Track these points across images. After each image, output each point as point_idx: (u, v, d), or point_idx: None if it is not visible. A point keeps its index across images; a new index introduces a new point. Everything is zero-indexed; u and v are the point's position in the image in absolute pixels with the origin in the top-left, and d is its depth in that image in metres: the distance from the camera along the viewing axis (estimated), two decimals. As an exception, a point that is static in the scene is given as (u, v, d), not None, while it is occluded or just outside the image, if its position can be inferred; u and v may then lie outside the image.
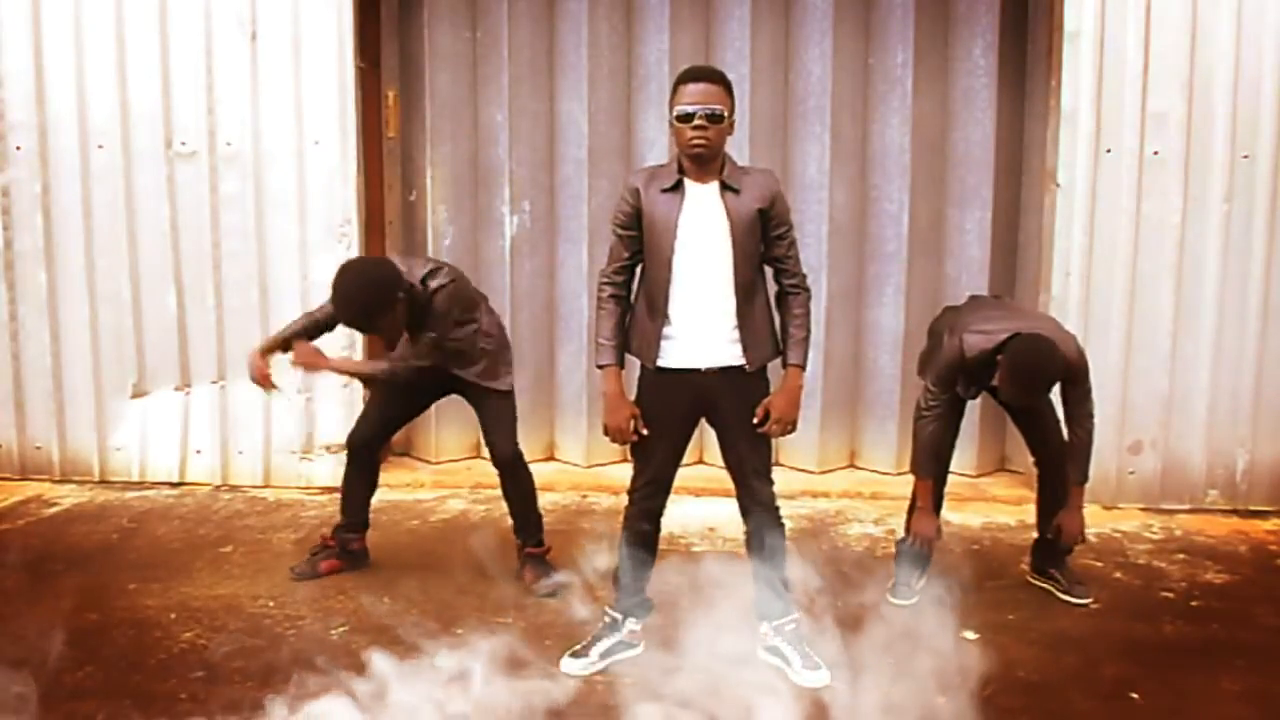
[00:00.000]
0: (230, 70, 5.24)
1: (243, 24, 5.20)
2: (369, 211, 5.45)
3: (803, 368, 3.31)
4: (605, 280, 3.35)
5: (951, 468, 5.46)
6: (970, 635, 3.67)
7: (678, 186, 3.20)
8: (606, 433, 3.35)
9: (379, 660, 3.35)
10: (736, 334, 3.24)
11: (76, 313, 5.46)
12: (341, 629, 3.76)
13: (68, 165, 5.36)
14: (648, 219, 3.22)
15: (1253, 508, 5.09)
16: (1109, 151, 4.95)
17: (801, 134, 5.48)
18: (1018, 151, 5.44)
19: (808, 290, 3.32)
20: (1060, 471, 3.93)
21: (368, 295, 3.63)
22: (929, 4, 5.32)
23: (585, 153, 5.54)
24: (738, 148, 5.42)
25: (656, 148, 5.49)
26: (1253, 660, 3.53)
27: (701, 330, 3.24)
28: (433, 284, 3.78)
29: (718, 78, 3.18)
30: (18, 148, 5.37)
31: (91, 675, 3.36)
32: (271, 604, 3.97)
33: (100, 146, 5.35)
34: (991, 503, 5.20)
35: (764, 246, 3.26)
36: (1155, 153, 4.94)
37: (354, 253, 5.20)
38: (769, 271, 3.35)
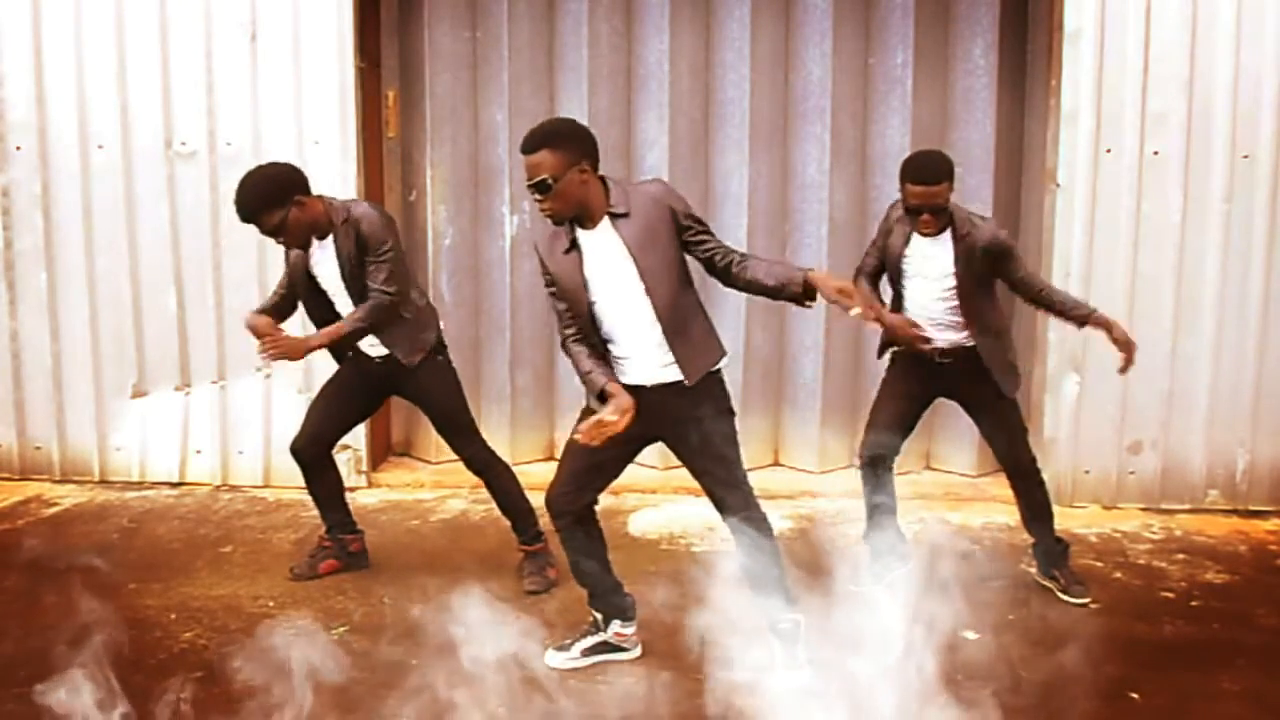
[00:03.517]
0: (230, 70, 5.24)
1: (243, 26, 5.19)
2: (369, 211, 5.44)
3: (814, 269, 3.18)
4: (563, 339, 3.33)
5: (951, 468, 5.53)
6: (970, 635, 3.68)
7: (574, 245, 3.20)
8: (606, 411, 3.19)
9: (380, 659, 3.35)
10: (670, 357, 3.21)
11: (76, 313, 5.46)
12: (341, 629, 3.76)
13: (68, 165, 5.36)
14: (558, 284, 3.26)
15: (1253, 508, 5.09)
16: (1109, 151, 4.94)
17: (801, 134, 5.48)
18: (1018, 151, 5.44)
19: (744, 255, 3.24)
20: (1028, 482, 3.98)
21: (258, 189, 3.67)
22: (929, 4, 5.31)
23: (585, 153, 5.53)
24: (738, 146, 5.44)
25: (657, 148, 5.48)
26: (1253, 660, 3.53)
27: (639, 359, 3.23)
28: (359, 208, 3.83)
29: (538, 143, 3.07)
30: (18, 148, 5.37)
31: (92, 675, 3.35)
32: (271, 604, 3.97)
33: (100, 146, 5.34)
34: (991, 503, 5.19)
35: (689, 251, 3.21)
36: (1155, 153, 4.94)
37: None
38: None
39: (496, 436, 5.78)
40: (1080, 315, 3.80)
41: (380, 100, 5.62)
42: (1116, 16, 4.87)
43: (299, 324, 4.25)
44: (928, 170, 3.67)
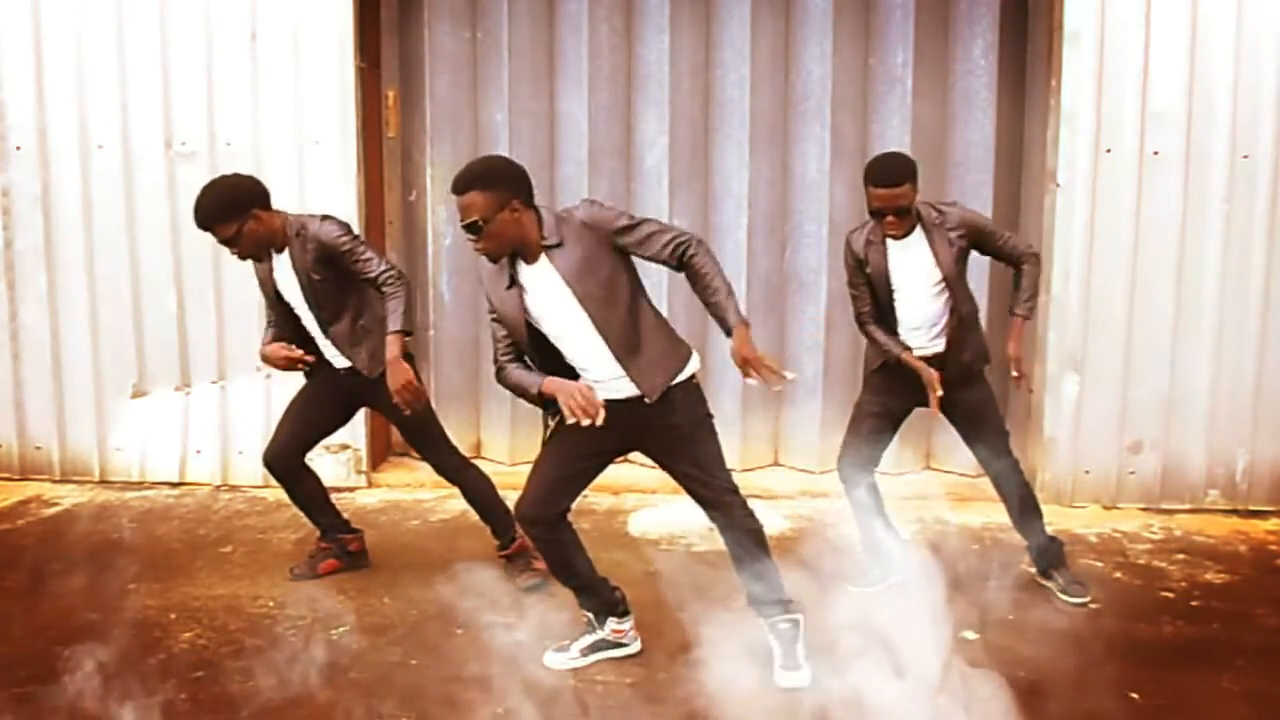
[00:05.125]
0: (230, 70, 5.24)
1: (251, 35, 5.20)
2: (369, 211, 5.44)
3: (746, 324, 3.11)
4: (497, 368, 3.29)
5: (951, 468, 5.52)
6: (970, 635, 3.68)
7: (513, 282, 3.19)
8: (566, 408, 3.06)
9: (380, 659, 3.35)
10: (625, 376, 3.20)
11: (76, 313, 5.46)
12: (342, 629, 3.76)
13: (68, 165, 5.36)
14: (502, 317, 3.24)
15: (1253, 508, 5.08)
16: (1109, 151, 4.94)
17: (801, 134, 5.48)
18: (1018, 151, 5.44)
19: (694, 242, 3.16)
20: (1011, 484, 3.99)
21: (216, 200, 3.71)
22: (929, 4, 5.31)
23: (585, 153, 5.53)
24: (738, 146, 5.44)
25: (656, 148, 5.48)
26: (1253, 660, 3.53)
27: (601, 379, 3.22)
28: (314, 225, 3.84)
29: (467, 185, 3.06)
30: (18, 148, 5.38)
31: (92, 675, 3.36)
32: (271, 604, 3.97)
33: (100, 146, 5.35)
34: (991, 503, 5.15)
35: (640, 258, 3.19)
36: (1155, 153, 4.93)
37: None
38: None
39: (496, 436, 5.80)
40: (1013, 309, 3.90)
41: (380, 100, 5.62)
42: (1116, 16, 4.87)
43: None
44: (890, 172, 3.69)
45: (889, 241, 3.78)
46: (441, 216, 5.68)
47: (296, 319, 3.99)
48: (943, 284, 3.78)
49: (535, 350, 3.27)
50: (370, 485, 5.46)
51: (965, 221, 3.77)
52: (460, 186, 3.08)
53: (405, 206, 5.77)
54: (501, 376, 3.30)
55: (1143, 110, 4.91)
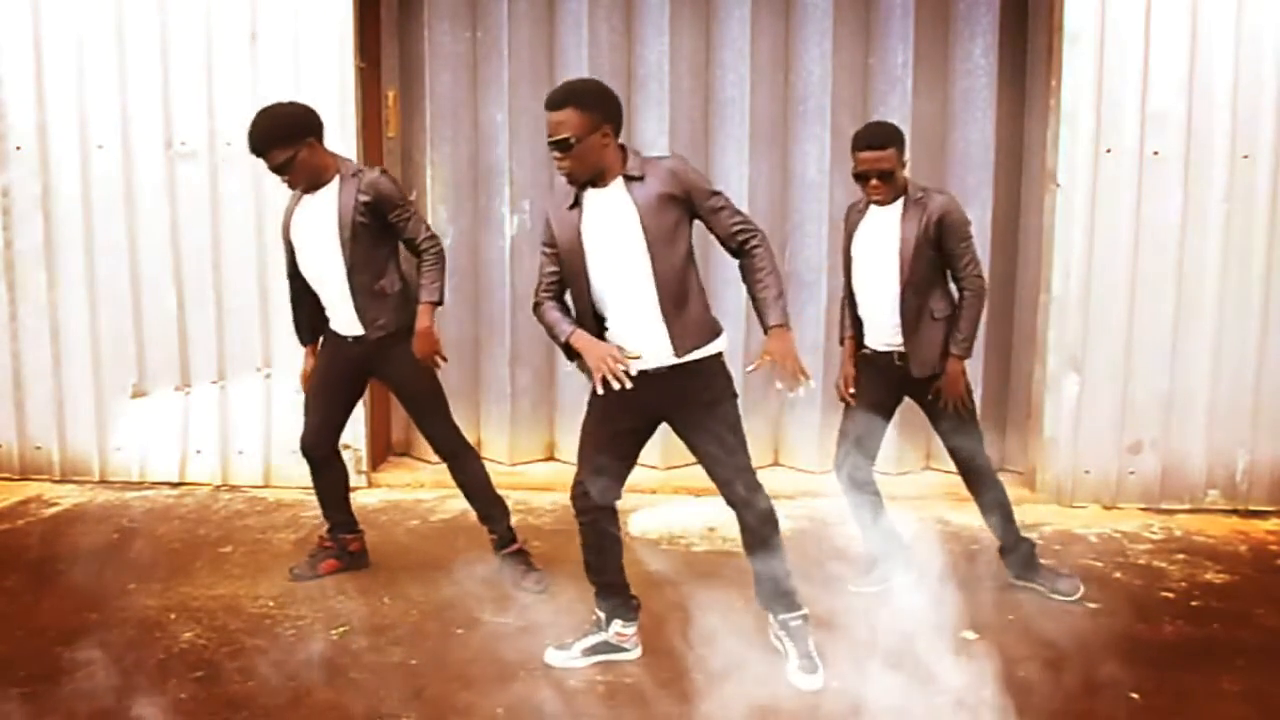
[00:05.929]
0: (230, 70, 5.25)
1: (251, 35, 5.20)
2: (369, 211, 5.44)
3: (786, 326, 3.16)
4: (537, 299, 3.32)
5: (951, 468, 5.51)
6: (970, 635, 3.68)
7: (576, 203, 3.19)
8: (596, 369, 3.10)
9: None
10: (664, 326, 3.16)
11: (76, 313, 5.46)
12: (342, 629, 3.76)
13: (68, 165, 5.36)
14: (557, 240, 3.24)
15: (1253, 508, 5.09)
16: (1109, 151, 4.95)
17: (801, 134, 5.48)
18: (1018, 151, 5.44)
19: (760, 235, 3.20)
20: (983, 483, 3.96)
21: (274, 125, 3.71)
22: (929, 4, 5.31)
23: (585, 153, 5.53)
24: (738, 146, 5.44)
25: (656, 148, 5.48)
26: (1253, 660, 3.53)
27: (635, 331, 3.18)
28: (373, 173, 3.86)
29: (563, 101, 3.08)
30: (18, 148, 5.38)
31: (92, 675, 3.36)
32: (271, 604, 3.97)
33: (100, 146, 5.35)
34: (991, 503, 5.19)
35: (709, 222, 3.19)
36: (1155, 153, 4.94)
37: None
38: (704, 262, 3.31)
39: (496, 436, 5.80)
40: (949, 347, 3.80)
41: (380, 100, 5.62)
42: (1116, 16, 4.87)
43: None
44: (873, 136, 3.72)
45: (868, 211, 3.81)
46: (442, 216, 5.68)
47: (309, 282, 3.97)
48: (898, 265, 3.73)
49: (577, 297, 3.24)
50: (370, 485, 5.46)
51: (945, 210, 3.71)
52: (557, 102, 3.08)
53: (405, 206, 5.76)
54: (538, 311, 3.31)
55: (1143, 110, 4.91)
